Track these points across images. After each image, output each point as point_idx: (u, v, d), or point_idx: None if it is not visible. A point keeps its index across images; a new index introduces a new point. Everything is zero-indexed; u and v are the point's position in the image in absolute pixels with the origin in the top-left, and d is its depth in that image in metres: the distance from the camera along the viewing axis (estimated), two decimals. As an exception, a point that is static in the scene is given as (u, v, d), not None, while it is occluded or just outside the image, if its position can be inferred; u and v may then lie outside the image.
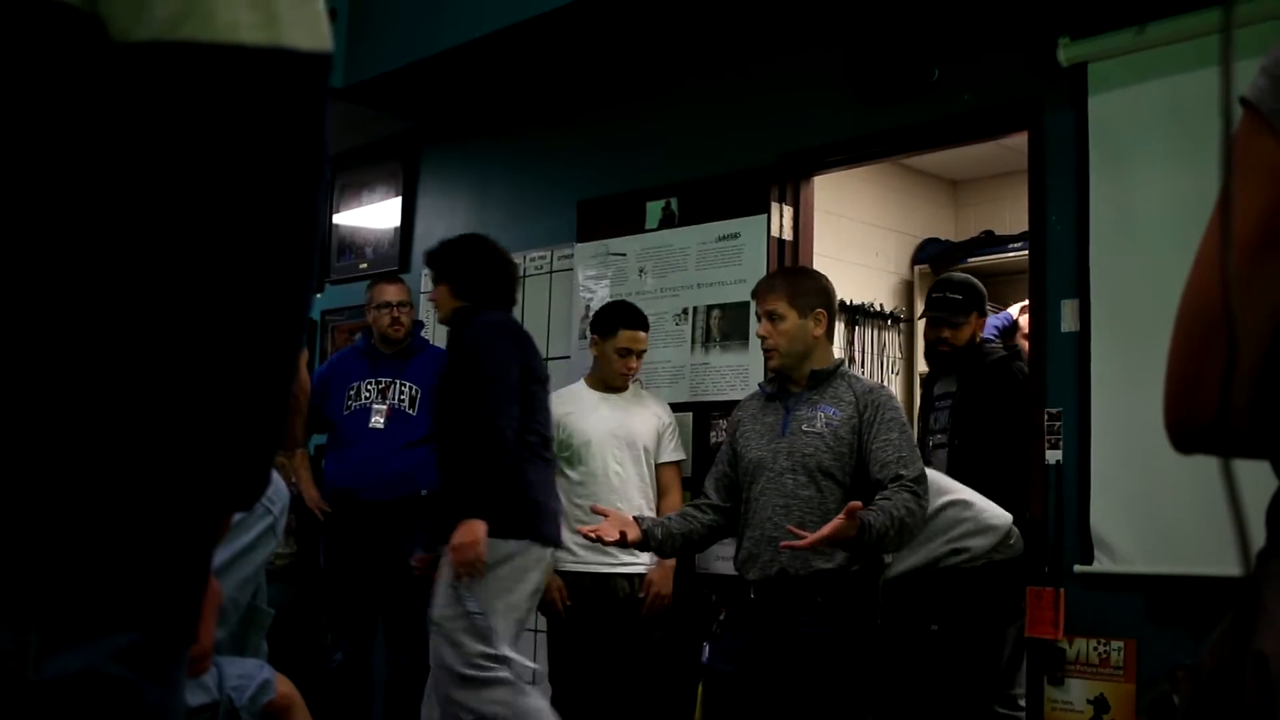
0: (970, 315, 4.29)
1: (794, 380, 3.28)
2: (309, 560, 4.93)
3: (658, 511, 4.06)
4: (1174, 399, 0.94)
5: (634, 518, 3.24)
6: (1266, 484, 1.00)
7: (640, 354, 4.14)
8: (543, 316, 5.04)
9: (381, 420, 4.51)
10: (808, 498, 3.11)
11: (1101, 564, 3.39)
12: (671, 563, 4.04)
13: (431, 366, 4.65)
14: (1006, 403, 4.11)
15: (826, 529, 2.92)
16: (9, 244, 0.77)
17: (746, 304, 4.32)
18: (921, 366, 5.78)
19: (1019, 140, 3.93)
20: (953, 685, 3.63)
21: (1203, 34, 3.22)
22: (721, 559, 4.07)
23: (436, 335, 5.29)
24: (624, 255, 4.72)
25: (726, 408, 3.94)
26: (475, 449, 3.47)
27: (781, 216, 4.32)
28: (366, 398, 4.57)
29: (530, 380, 3.63)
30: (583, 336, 4.76)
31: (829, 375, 3.26)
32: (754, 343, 4.22)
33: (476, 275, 3.76)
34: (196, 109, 0.78)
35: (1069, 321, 3.54)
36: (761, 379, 3.53)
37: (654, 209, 4.65)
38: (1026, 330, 4.17)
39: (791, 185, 4.36)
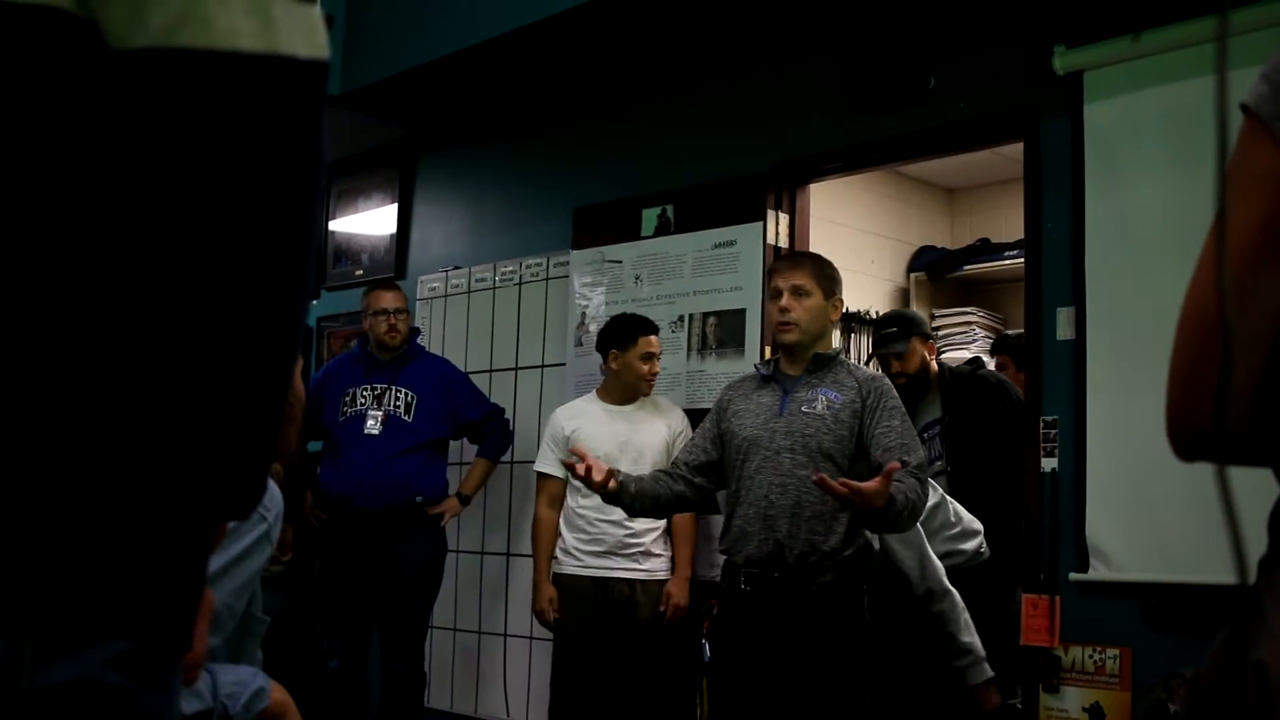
0: (910, 342, 4.38)
1: (792, 363, 3.30)
2: (304, 567, 4.92)
3: (668, 522, 4.09)
4: (1174, 406, 0.94)
5: (609, 470, 3.23)
6: (1262, 491, 1.00)
7: (659, 356, 4.16)
8: (539, 324, 5.03)
9: (377, 427, 4.51)
10: (805, 477, 3.09)
11: (1097, 572, 3.39)
12: (687, 573, 4.08)
13: (427, 374, 4.65)
14: (994, 416, 4.17)
15: (864, 485, 2.85)
16: (3, 251, 0.77)
17: (743, 311, 4.32)
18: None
19: (1015, 148, 3.94)
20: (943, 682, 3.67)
21: (1198, 42, 3.22)
22: (714, 566, 4.07)
23: (432, 342, 5.30)
24: (620, 262, 4.72)
25: (722, 415, 3.95)
26: None
27: (777, 224, 4.33)
28: (362, 404, 4.56)
29: None
30: (579, 344, 4.76)
31: (829, 361, 3.28)
32: (750, 349, 4.23)
33: None
34: (194, 116, 0.78)
35: (1065, 329, 3.54)
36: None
37: (650, 216, 4.65)
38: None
39: (787, 193, 4.37)
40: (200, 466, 0.82)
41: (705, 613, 3.98)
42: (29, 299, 0.78)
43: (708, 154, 4.54)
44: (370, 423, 4.52)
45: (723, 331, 4.38)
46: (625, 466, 4.05)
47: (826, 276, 3.33)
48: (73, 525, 0.80)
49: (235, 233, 0.79)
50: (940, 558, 3.62)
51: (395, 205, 5.80)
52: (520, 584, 4.76)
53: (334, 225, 6.07)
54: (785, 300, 3.26)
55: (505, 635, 4.93)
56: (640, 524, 4.02)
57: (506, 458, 4.78)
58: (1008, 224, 5.71)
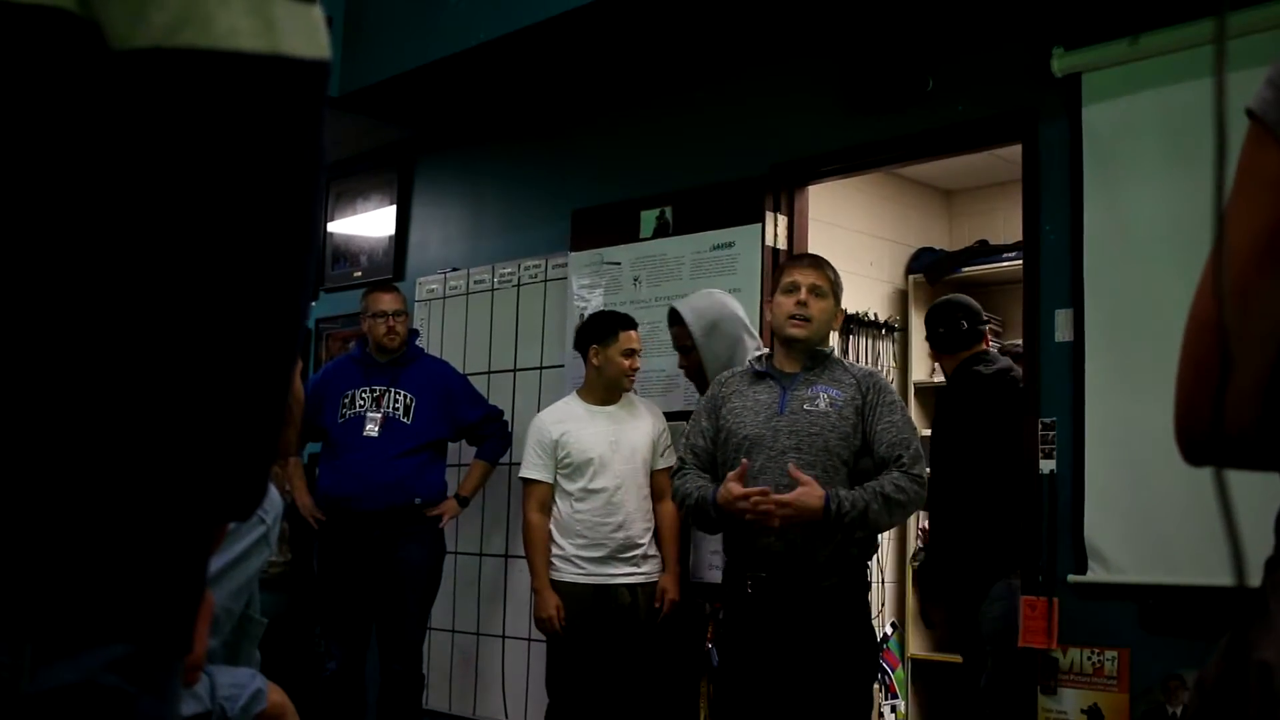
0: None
1: (790, 359, 3.31)
2: (303, 569, 4.92)
3: (655, 516, 4.09)
4: (1180, 410, 0.94)
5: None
6: (1261, 493, 1.00)
7: (639, 353, 4.16)
8: (537, 325, 5.03)
9: (375, 429, 4.51)
10: (812, 477, 3.12)
11: (1095, 573, 3.39)
12: (676, 568, 4.08)
13: (426, 375, 4.65)
14: (971, 414, 4.17)
15: (785, 496, 3.05)
16: (4, 251, 0.77)
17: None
18: (916, 375, 5.80)
19: (1013, 150, 3.94)
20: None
21: (1196, 44, 3.23)
22: (715, 568, 4.07)
23: (431, 344, 5.30)
24: (618, 264, 4.72)
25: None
26: None
27: (776, 226, 4.33)
28: (361, 406, 4.56)
29: None
30: (575, 348, 4.76)
31: (825, 358, 3.31)
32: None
33: None
34: (195, 115, 0.78)
35: (1063, 331, 3.54)
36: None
37: (648, 218, 4.65)
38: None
39: (786, 195, 4.37)
40: (201, 468, 0.82)
41: (710, 617, 3.98)
42: (30, 300, 0.78)
43: (706, 156, 4.54)
44: (369, 425, 4.51)
45: (721, 333, 4.37)
46: (619, 464, 4.06)
47: (838, 283, 3.40)
48: (72, 527, 0.80)
49: (236, 233, 0.79)
50: None
51: (394, 207, 5.80)
52: (518, 586, 4.76)
53: (332, 227, 6.07)
54: (804, 295, 3.29)
55: (503, 637, 4.93)
56: (638, 527, 4.02)
57: (505, 459, 4.77)
58: (1006, 226, 5.71)
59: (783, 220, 4.35)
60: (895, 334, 5.87)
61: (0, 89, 0.76)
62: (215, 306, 0.79)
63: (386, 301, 4.66)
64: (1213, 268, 0.90)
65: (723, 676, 3.37)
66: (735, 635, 3.29)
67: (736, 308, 3.95)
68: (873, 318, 5.75)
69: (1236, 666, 0.90)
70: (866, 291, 5.81)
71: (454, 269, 5.43)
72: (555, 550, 4.08)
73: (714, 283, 4.39)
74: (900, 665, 5.48)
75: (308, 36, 0.82)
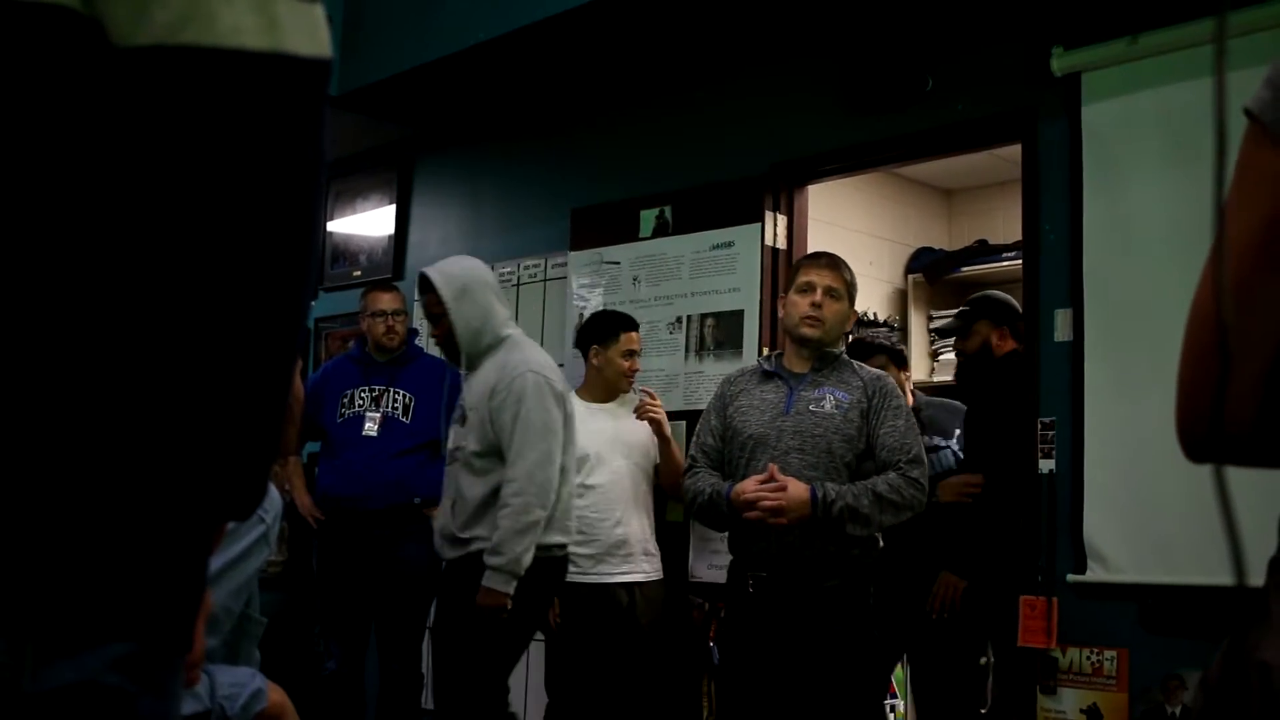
0: (976, 323, 4.13)
1: (799, 359, 3.32)
2: (302, 568, 4.91)
3: (654, 520, 4.08)
4: (1181, 407, 0.94)
5: None
6: (1261, 493, 1.00)
7: (639, 354, 4.17)
8: (536, 324, 5.03)
9: (375, 428, 4.50)
10: (814, 478, 3.12)
11: (1095, 573, 3.39)
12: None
13: (425, 375, 4.65)
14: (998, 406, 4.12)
15: (778, 496, 3.06)
16: (5, 249, 0.77)
17: (741, 312, 4.32)
18: (915, 375, 5.80)
19: (1012, 150, 3.94)
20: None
21: (1196, 44, 3.23)
22: (713, 567, 4.08)
23: (430, 343, 5.29)
24: (618, 264, 4.72)
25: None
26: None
27: (775, 225, 4.33)
28: (360, 405, 4.56)
29: None
30: (575, 346, 4.75)
31: (834, 360, 3.32)
32: (749, 350, 4.23)
33: None
34: (197, 113, 0.78)
35: (1063, 331, 3.54)
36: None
37: (648, 217, 4.65)
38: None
39: (785, 194, 4.37)
40: (201, 467, 0.82)
41: (712, 615, 3.98)
42: (31, 298, 0.78)
43: (706, 155, 4.54)
44: (368, 424, 4.51)
45: (721, 333, 4.38)
46: (618, 462, 4.06)
47: (853, 286, 3.41)
48: (74, 526, 0.80)
49: (237, 231, 0.79)
50: None
51: (393, 206, 5.80)
52: (518, 585, 4.75)
53: (332, 226, 6.07)
54: (819, 297, 3.29)
55: (503, 636, 4.92)
56: (635, 524, 4.01)
57: (504, 459, 4.76)
58: (1006, 225, 5.71)
59: (782, 220, 4.35)
60: (895, 333, 5.87)
61: (2, 86, 0.76)
62: (216, 305, 0.79)
63: (386, 301, 4.66)
64: (1212, 265, 0.91)
65: (723, 675, 3.38)
66: (736, 634, 3.29)
67: (488, 274, 3.78)
68: (872, 317, 5.76)
69: (1238, 667, 0.90)
70: (866, 291, 5.78)
71: (453, 268, 5.42)
72: None
73: (714, 283, 4.40)
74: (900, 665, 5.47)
75: (310, 35, 0.82)
